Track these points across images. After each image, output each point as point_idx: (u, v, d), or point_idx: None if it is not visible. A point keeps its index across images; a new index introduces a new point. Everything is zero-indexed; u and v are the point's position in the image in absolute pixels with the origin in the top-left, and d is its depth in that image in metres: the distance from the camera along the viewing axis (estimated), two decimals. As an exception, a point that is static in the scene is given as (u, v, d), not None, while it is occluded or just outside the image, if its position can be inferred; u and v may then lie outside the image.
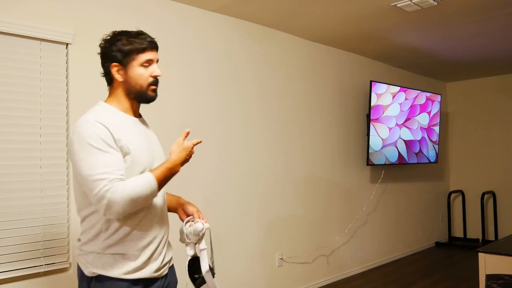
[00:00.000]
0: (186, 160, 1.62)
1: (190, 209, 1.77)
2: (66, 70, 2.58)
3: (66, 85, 2.58)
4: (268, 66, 3.82)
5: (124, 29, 1.67)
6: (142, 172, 1.57)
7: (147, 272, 1.58)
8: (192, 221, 1.71)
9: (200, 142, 1.64)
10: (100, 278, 1.55)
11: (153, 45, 1.65)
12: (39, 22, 2.45)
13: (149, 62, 1.63)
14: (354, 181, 4.73)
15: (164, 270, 1.68)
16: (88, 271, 1.56)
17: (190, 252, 1.69)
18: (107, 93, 1.68)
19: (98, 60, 1.67)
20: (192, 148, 1.61)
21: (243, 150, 3.58)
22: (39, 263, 2.42)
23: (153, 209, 1.63)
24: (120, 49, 1.60)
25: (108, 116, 1.57)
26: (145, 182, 1.50)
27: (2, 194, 2.32)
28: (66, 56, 2.58)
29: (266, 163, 3.76)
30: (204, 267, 1.65)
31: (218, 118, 3.40)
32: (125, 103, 1.64)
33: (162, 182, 1.56)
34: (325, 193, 4.37)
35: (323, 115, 4.38)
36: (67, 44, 2.58)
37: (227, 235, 3.42)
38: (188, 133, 1.63)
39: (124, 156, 1.54)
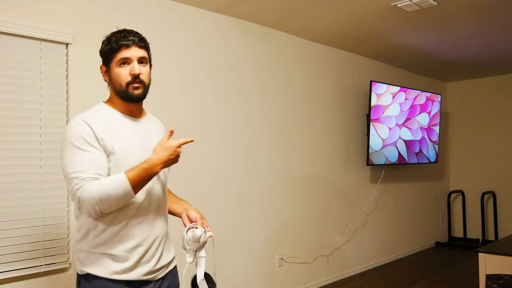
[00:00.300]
0: (170, 160, 1.52)
1: (194, 215, 1.69)
2: (66, 70, 2.58)
3: (66, 85, 2.58)
4: (268, 66, 3.82)
5: (124, 29, 1.65)
6: None
7: (136, 275, 1.56)
8: (195, 227, 1.64)
9: (191, 141, 1.54)
10: (88, 277, 1.54)
11: (131, 43, 1.57)
12: (39, 22, 2.45)
13: (127, 60, 1.58)
14: (354, 181, 4.73)
15: (159, 274, 1.64)
16: (78, 268, 1.57)
17: (189, 260, 1.63)
18: (107, 93, 1.69)
19: (98, 60, 1.68)
20: (178, 147, 1.51)
21: (243, 150, 3.58)
22: (39, 263, 2.42)
23: (143, 211, 1.59)
24: (101, 50, 1.63)
25: (99, 115, 1.57)
26: (115, 181, 1.45)
27: (2, 194, 2.32)
28: (66, 56, 2.58)
29: (266, 163, 3.76)
30: (200, 275, 1.62)
31: (218, 118, 3.40)
32: (119, 103, 1.63)
33: (138, 182, 1.48)
34: (325, 193, 4.37)
35: (323, 115, 4.38)
36: (67, 44, 2.58)
37: (227, 235, 3.42)
38: (172, 132, 1.53)
39: (108, 156, 1.52)
